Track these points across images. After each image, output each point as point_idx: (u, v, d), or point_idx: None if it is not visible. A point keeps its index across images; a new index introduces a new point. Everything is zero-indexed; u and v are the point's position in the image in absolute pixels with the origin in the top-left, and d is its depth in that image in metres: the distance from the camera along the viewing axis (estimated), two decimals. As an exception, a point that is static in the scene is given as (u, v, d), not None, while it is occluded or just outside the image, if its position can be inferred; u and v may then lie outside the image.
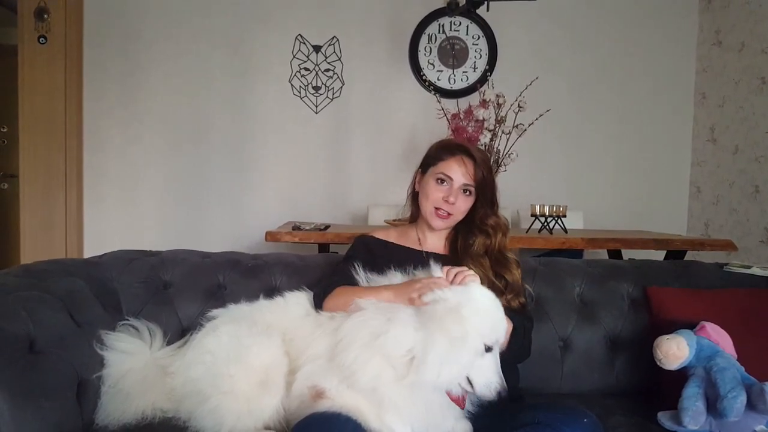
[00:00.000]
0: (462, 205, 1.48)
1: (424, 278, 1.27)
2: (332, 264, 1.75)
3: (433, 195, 1.48)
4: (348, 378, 1.19)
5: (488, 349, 1.18)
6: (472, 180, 1.47)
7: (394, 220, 2.49)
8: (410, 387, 1.16)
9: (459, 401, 1.21)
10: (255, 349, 1.32)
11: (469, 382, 1.17)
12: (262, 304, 1.50)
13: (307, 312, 1.43)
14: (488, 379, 1.16)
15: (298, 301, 1.47)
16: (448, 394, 1.19)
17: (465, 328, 1.14)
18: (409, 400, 1.18)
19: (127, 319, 1.55)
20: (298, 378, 1.28)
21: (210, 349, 1.36)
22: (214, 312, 1.49)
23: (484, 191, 1.50)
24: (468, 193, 1.49)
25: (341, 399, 1.20)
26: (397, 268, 1.39)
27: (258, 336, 1.35)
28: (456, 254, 1.50)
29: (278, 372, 1.31)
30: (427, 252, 1.53)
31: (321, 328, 1.34)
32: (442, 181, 1.47)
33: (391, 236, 1.60)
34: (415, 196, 1.59)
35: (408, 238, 1.58)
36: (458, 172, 1.47)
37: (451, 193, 1.46)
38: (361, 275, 1.41)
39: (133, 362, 1.42)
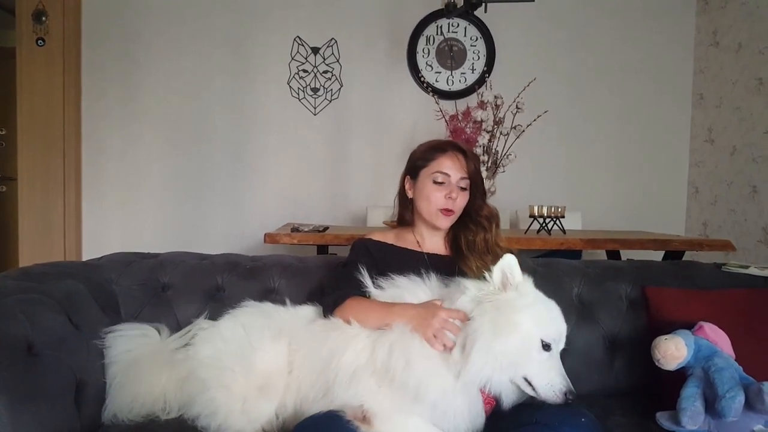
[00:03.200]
0: (461, 201, 1.49)
1: (442, 311, 1.22)
2: (331, 266, 1.75)
3: (434, 196, 1.47)
4: (416, 396, 1.16)
5: (546, 347, 1.16)
6: (467, 173, 1.49)
7: (393, 221, 2.48)
8: (463, 390, 1.16)
9: (488, 402, 1.21)
10: (260, 353, 1.34)
11: (530, 384, 1.16)
12: (292, 309, 1.51)
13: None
14: (551, 379, 1.15)
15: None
16: (484, 396, 1.19)
17: (515, 319, 1.15)
18: (463, 413, 1.17)
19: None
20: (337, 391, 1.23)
21: (225, 336, 1.40)
22: (248, 302, 1.53)
23: (477, 183, 1.52)
24: (464, 187, 1.49)
25: (389, 426, 1.17)
26: (400, 271, 1.39)
27: (266, 340, 1.37)
28: (458, 253, 1.50)
29: (279, 379, 1.32)
30: (428, 254, 1.53)
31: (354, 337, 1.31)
32: (440, 180, 1.47)
33: (390, 238, 1.59)
34: (405, 202, 1.58)
35: (406, 240, 1.57)
36: (454, 167, 1.48)
37: (451, 189, 1.47)
38: (369, 282, 1.39)
39: (142, 348, 1.45)
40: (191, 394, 1.34)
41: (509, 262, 1.21)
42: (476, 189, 1.51)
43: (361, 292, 1.40)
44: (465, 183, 1.49)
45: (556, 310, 1.25)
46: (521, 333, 1.15)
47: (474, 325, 1.16)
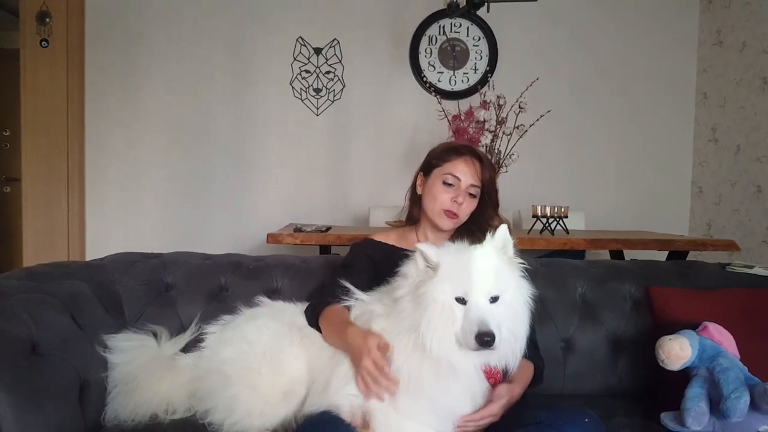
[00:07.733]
0: (467, 207, 1.49)
1: (373, 350, 1.18)
2: (333, 266, 1.75)
3: (441, 196, 1.47)
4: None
5: (460, 301, 1.13)
6: (479, 181, 1.48)
7: (395, 222, 2.48)
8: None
9: (493, 377, 1.21)
10: (290, 360, 1.34)
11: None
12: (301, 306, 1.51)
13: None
14: (464, 329, 1.11)
15: None
16: (488, 372, 1.19)
17: (425, 290, 1.15)
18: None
19: (128, 328, 1.55)
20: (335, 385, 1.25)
21: (249, 339, 1.38)
22: (262, 299, 1.53)
23: (490, 192, 1.51)
24: (473, 194, 1.49)
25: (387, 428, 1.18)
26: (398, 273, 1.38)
27: (296, 347, 1.36)
28: None
29: (302, 388, 1.32)
30: None
31: None
32: (450, 182, 1.47)
33: (391, 239, 1.59)
34: (415, 199, 1.58)
35: (408, 241, 1.56)
36: (467, 172, 1.47)
37: (459, 193, 1.46)
38: (356, 289, 1.37)
39: (142, 355, 1.44)
40: (211, 387, 1.34)
41: (421, 250, 1.19)
42: (488, 198, 1.51)
43: (344, 300, 1.37)
44: (475, 190, 1.48)
45: (466, 264, 1.15)
46: (438, 303, 1.13)
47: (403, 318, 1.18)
